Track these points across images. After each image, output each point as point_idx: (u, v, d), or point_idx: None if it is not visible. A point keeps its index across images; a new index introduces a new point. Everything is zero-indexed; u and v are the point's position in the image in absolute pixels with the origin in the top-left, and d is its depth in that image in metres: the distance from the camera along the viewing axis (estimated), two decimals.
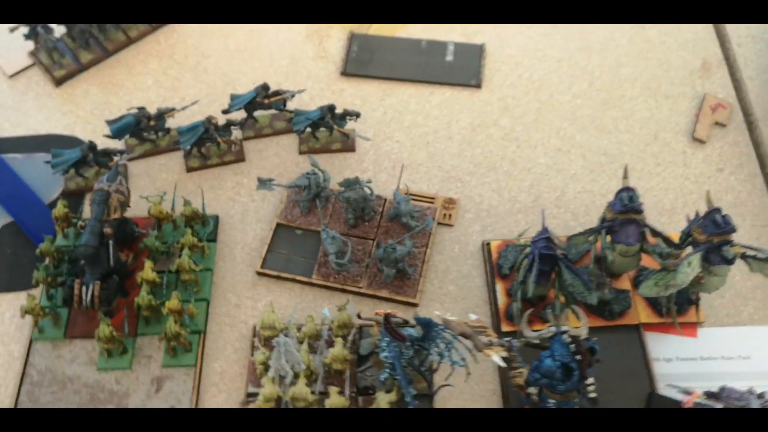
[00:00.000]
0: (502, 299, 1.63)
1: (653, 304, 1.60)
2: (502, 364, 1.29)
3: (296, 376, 1.46)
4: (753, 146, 1.88)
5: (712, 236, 1.40)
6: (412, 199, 1.78)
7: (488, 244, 1.72)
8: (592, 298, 1.43)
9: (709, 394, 1.37)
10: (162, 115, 1.82)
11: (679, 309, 1.60)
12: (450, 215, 1.79)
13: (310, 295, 1.67)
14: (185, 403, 1.54)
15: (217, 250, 1.75)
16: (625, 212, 1.43)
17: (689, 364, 1.59)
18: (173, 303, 1.54)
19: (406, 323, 1.42)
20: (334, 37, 2.11)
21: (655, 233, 1.46)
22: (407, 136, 1.92)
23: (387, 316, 1.40)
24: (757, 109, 1.93)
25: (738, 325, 1.62)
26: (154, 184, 1.84)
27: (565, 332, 1.31)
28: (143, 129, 1.82)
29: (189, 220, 1.70)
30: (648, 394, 1.52)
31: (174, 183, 1.83)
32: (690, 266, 1.38)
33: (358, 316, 1.49)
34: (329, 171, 1.76)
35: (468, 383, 1.55)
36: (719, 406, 1.31)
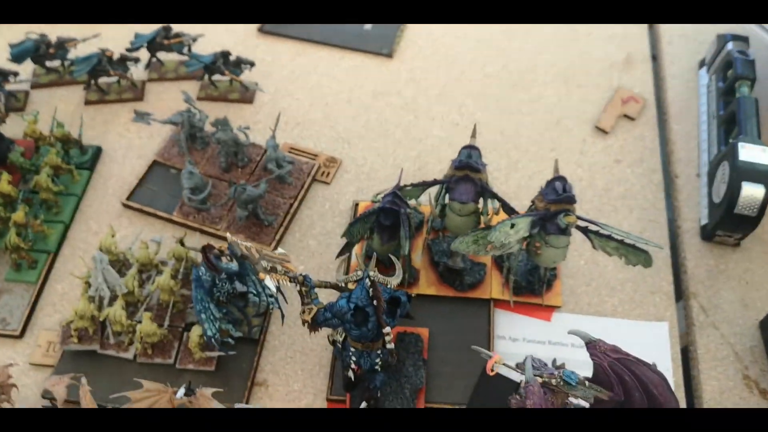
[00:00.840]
0: (355, 259, 1.58)
1: (513, 279, 1.53)
2: (273, 288, 1.24)
3: (115, 298, 1.44)
4: (660, 143, 1.79)
5: (550, 204, 1.33)
6: (296, 154, 1.75)
7: (357, 204, 1.67)
8: (405, 247, 1.37)
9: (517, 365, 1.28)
10: (62, 44, 1.85)
11: (532, 288, 1.53)
12: (328, 173, 1.75)
13: (170, 232, 1.65)
14: (16, 318, 1.54)
15: (91, 180, 1.75)
16: (461, 168, 1.37)
17: (536, 347, 1.50)
18: (18, 215, 1.54)
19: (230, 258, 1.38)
20: None
21: (493, 196, 1.39)
22: (308, 95, 1.90)
23: (206, 246, 1.36)
24: (673, 108, 1.85)
25: (598, 315, 1.53)
26: (51, 114, 1.86)
27: (369, 277, 1.25)
28: (43, 56, 1.85)
29: (63, 143, 1.71)
30: (482, 370, 1.44)
31: (71, 114, 1.85)
32: (514, 228, 1.31)
33: (181, 243, 1.46)
34: (226, 119, 1.72)
35: (302, 336, 1.52)
36: (517, 373, 1.23)
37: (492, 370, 1.24)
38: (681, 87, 1.89)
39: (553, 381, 1.15)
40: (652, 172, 1.74)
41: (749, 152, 1.50)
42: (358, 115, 1.86)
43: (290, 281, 1.25)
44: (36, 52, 1.84)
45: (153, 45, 1.86)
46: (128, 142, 1.82)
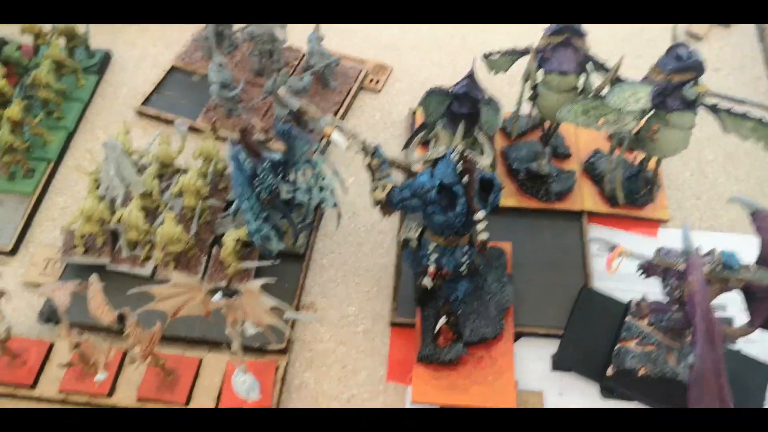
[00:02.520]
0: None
1: (606, 193, 1.27)
2: (344, 143, 0.97)
3: (130, 200, 1.17)
4: (763, 50, 1.54)
5: (672, 74, 1.07)
6: (342, 58, 1.50)
7: (415, 113, 1.41)
8: (497, 121, 1.10)
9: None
10: None
11: (634, 198, 1.26)
12: (378, 80, 1.49)
13: (192, 142, 1.38)
14: (6, 232, 1.26)
15: (99, 88, 1.49)
16: (559, 32, 1.11)
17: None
18: (12, 110, 1.27)
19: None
20: None
21: (600, 66, 1.13)
22: None
23: (244, 128, 1.10)
24: None
25: (713, 230, 1.27)
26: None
27: (457, 150, 0.99)
28: None
29: (68, 39, 1.45)
30: (581, 289, 1.17)
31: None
32: (634, 95, 1.05)
33: (213, 128, 1.20)
34: None
35: (355, 254, 1.25)
36: (643, 260, 0.97)
37: (613, 267, 0.98)
38: None
39: (707, 267, 0.89)
40: (756, 80, 1.49)
41: None
42: (406, 24, 1.61)
43: (359, 149, 0.99)
44: None
45: None
46: (142, 51, 1.57)
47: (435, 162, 1.01)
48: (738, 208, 1.27)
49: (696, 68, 1.07)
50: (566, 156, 1.33)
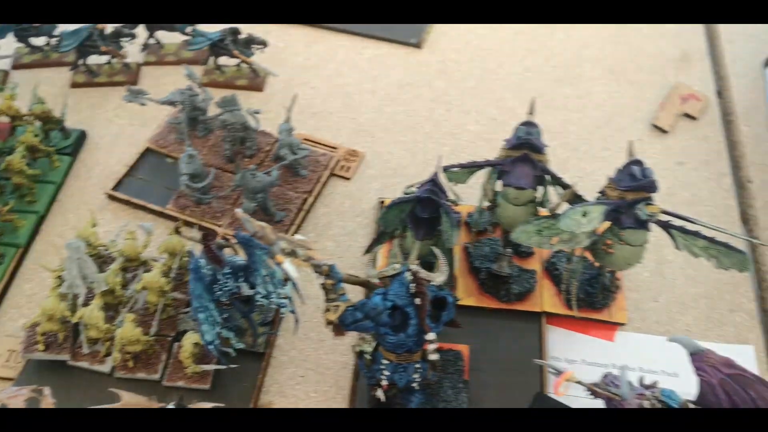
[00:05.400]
0: (382, 262, 1.33)
1: (567, 288, 1.29)
2: (294, 274, 0.99)
3: (92, 297, 1.19)
4: (727, 145, 1.57)
5: (626, 192, 1.10)
6: (313, 145, 1.52)
7: (383, 202, 1.44)
8: (453, 238, 1.12)
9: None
10: None
11: (592, 301, 1.28)
12: (349, 167, 1.52)
13: (162, 228, 1.40)
14: None
15: (73, 168, 1.51)
16: (518, 147, 1.14)
17: (599, 371, 1.24)
18: None
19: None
20: None
21: (557, 181, 1.16)
22: (326, 84, 1.69)
23: (207, 234, 1.12)
24: (739, 108, 1.64)
25: (669, 335, 1.28)
26: (32, 96, 1.63)
27: (410, 271, 1.01)
28: (27, 31, 1.63)
29: (43, 122, 1.48)
30: (535, 394, 1.19)
31: (55, 97, 1.62)
32: (586, 216, 1.07)
33: (176, 231, 1.22)
34: (234, 97, 1.47)
35: (316, 351, 1.26)
36: (588, 392, 0.98)
37: (560, 391, 1.00)
38: (746, 87, 1.68)
39: (646, 403, 0.91)
40: (720, 176, 1.51)
41: None
42: (382, 107, 1.64)
43: (314, 270, 1.00)
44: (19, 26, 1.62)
45: (151, 25, 1.65)
46: (118, 129, 1.59)
47: (392, 277, 1.03)
48: (694, 312, 1.31)
49: (649, 188, 1.09)
50: (528, 254, 1.35)
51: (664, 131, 1.59)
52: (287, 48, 1.76)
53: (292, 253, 0.99)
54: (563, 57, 1.75)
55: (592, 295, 1.28)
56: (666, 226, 1.12)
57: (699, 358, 0.92)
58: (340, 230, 1.42)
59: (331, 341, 1.27)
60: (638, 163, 1.11)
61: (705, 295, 1.33)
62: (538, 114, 1.61)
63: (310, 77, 1.70)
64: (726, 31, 1.81)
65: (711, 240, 1.11)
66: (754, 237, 1.08)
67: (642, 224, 1.10)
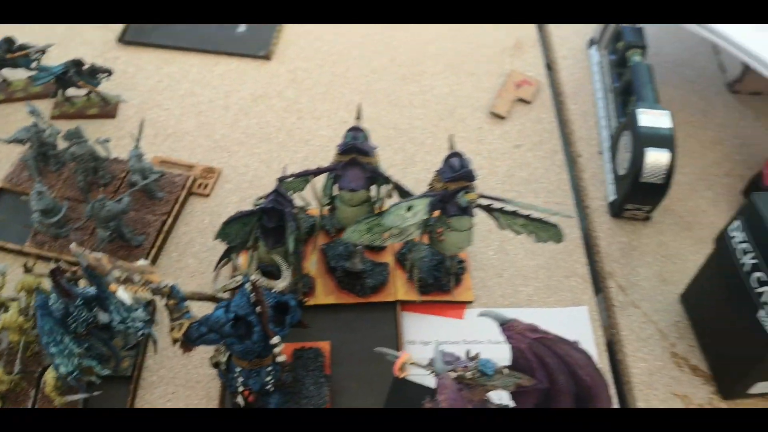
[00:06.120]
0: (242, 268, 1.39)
1: (418, 280, 1.38)
2: (128, 301, 1.04)
3: None
4: (559, 124, 1.71)
5: (448, 183, 1.20)
6: (168, 167, 1.56)
7: None
8: (290, 244, 1.19)
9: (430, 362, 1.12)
10: None
11: (440, 284, 1.38)
12: (206, 185, 1.57)
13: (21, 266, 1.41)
14: None
15: None
16: (347, 152, 1.22)
17: (451, 348, 1.33)
18: None
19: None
20: None
21: (385, 180, 1.25)
22: (179, 104, 1.72)
23: (54, 270, 1.15)
24: (567, 88, 1.78)
25: (514, 306, 1.40)
26: None
27: (250, 281, 1.07)
28: None
29: None
30: (393, 379, 1.28)
31: None
32: (411, 210, 1.16)
33: (25, 269, 1.24)
34: (78, 129, 1.49)
35: (185, 367, 1.31)
36: (428, 371, 1.07)
37: (401, 372, 1.09)
38: (573, 67, 1.82)
39: (468, 374, 1.00)
40: (553, 153, 1.64)
41: (649, 118, 1.43)
42: (236, 122, 1.69)
43: (153, 293, 1.05)
44: None
45: None
46: None
47: (236, 289, 1.10)
48: (535, 283, 1.43)
49: (467, 177, 1.19)
50: (381, 248, 1.44)
51: (501, 117, 1.71)
52: (138, 72, 1.78)
53: (128, 280, 1.04)
54: (407, 56, 1.85)
55: (439, 279, 1.38)
56: (488, 209, 1.23)
57: (507, 328, 1.03)
58: (202, 247, 1.47)
59: (200, 356, 1.32)
60: (457, 155, 1.22)
61: (543, 265, 1.45)
62: (386, 112, 1.72)
63: (162, 99, 1.73)
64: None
65: (528, 217, 1.22)
66: (563, 213, 1.20)
67: (465, 211, 1.20)
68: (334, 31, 1.91)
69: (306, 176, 1.25)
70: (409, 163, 1.61)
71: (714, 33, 1.47)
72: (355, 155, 1.22)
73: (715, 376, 1.30)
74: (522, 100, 1.74)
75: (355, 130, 1.24)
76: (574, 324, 1.38)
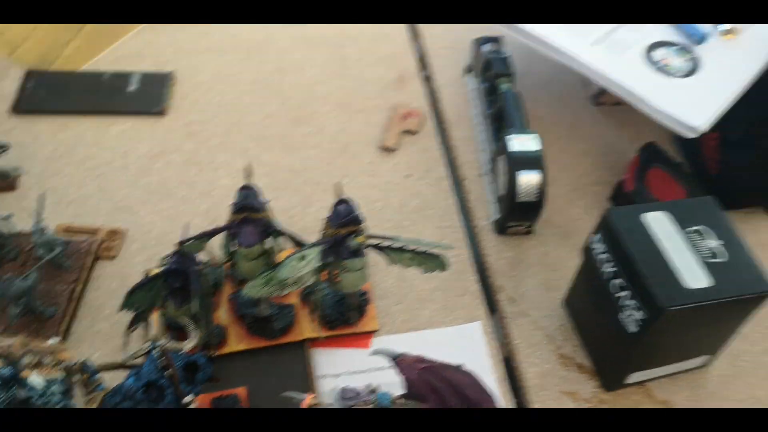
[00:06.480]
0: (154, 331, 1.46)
1: (323, 317, 1.48)
2: (40, 386, 1.10)
3: None
4: (444, 150, 1.84)
5: (338, 229, 1.30)
6: (73, 234, 1.61)
7: (148, 273, 1.55)
8: (195, 305, 1.28)
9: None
10: None
11: (345, 318, 1.48)
12: (112, 247, 1.62)
13: None
14: None
15: None
16: (240, 211, 1.31)
17: (361, 377, 1.45)
18: None
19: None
20: (10, 77, 1.95)
21: (279, 233, 1.34)
22: (78, 169, 1.76)
23: None
24: (449, 115, 1.91)
25: (414, 330, 1.51)
26: None
27: (158, 346, 1.15)
28: None
29: None
30: None
31: None
32: (304, 259, 1.26)
33: None
34: None
35: None
36: (336, 405, 1.18)
37: None
38: (454, 95, 1.96)
39: (369, 407, 1.11)
40: (440, 179, 1.77)
41: (519, 143, 1.56)
42: (137, 181, 1.75)
43: (66, 372, 1.11)
44: None
45: None
46: None
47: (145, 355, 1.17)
48: (432, 305, 1.55)
49: (354, 222, 1.30)
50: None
51: (391, 150, 1.82)
52: (34, 141, 1.81)
53: (39, 364, 1.10)
54: (297, 99, 1.94)
55: (344, 313, 1.48)
56: (377, 248, 1.34)
57: (398, 362, 1.14)
58: (113, 309, 1.52)
59: None
60: (344, 201, 1.32)
61: (439, 287, 1.57)
62: (282, 156, 1.82)
63: (61, 166, 1.77)
64: (432, 46, 2.09)
65: (414, 251, 1.34)
66: (444, 244, 1.33)
67: (356, 253, 1.31)
68: (227, 80, 1.98)
69: (203, 238, 1.33)
70: (308, 203, 1.71)
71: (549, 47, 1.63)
72: (248, 213, 1.31)
73: (597, 372, 1.44)
74: (409, 132, 1.86)
75: (245, 189, 1.33)
76: (470, 339, 1.50)
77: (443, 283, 1.58)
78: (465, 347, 1.49)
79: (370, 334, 1.51)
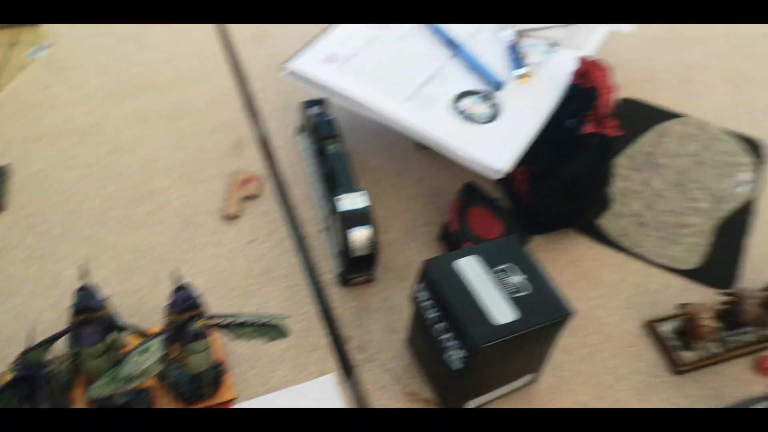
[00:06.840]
0: None
1: (178, 392, 1.54)
2: None
3: None
4: (285, 210, 1.94)
5: (178, 315, 1.37)
6: None
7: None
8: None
9: None
10: None
11: (201, 393, 1.55)
12: None
13: None
14: None
15: None
16: (79, 312, 1.36)
17: None
18: None
19: None
20: None
21: (121, 328, 1.40)
22: None
23: None
24: (288, 176, 2.02)
25: (269, 391, 1.60)
26: None
27: None
28: None
29: None
30: None
31: None
32: (147, 352, 1.32)
33: None
34: None
35: None
36: None
37: None
38: (289, 155, 2.07)
39: None
40: (283, 240, 1.87)
41: (348, 201, 1.69)
42: None
43: None
44: None
45: None
46: None
47: None
48: (285, 365, 1.64)
49: (193, 307, 1.38)
50: None
51: (234, 217, 1.91)
52: None
53: None
54: (136, 177, 1.99)
55: (200, 388, 1.55)
56: (219, 327, 1.42)
57: None
58: None
59: None
60: (181, 288, 1.39)
61: (291, 346, 1.67)
62: (125, 237, 1.87)
63: None
64: (265, 108, 2.19)
65: (254, 324, 1.43)
66: (279, 315, 1.43)
67: (198, 336, 1.38)
68: (59, 166, 2.00)
69: (46, 345, 1.36)
70: (156, 282, 1.76)
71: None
72: (86, 314, 1.36)
73: (441, 402, 1.59)
74: (250, 197, 1.95)
75: (83, 290, 1.38)
76: (323, 392, 1.61)
77: (294, 341, 1.67)
78: (320, 399, 1.60)
79: (230, 401, 1.58)
